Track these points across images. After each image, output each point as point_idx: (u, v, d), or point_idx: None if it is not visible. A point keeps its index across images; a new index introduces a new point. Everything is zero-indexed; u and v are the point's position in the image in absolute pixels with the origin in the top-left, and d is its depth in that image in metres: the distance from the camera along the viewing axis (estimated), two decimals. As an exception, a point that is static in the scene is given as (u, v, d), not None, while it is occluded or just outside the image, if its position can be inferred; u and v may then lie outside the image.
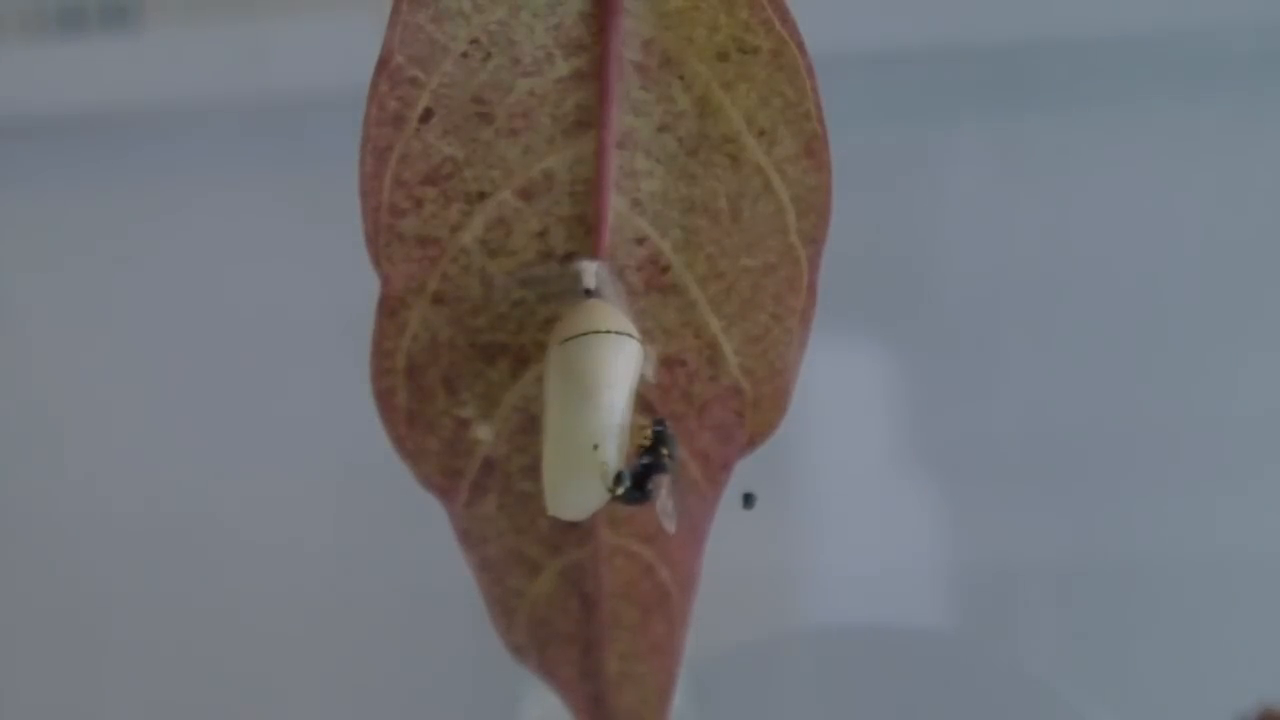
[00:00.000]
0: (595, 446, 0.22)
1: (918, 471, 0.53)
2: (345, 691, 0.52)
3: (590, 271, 0.24)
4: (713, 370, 0.25)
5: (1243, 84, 0.52)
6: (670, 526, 0.24)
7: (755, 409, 0.25)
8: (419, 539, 0.31)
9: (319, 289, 0.50)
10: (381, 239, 0.23)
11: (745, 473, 0.25)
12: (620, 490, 0.22)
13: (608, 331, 0.22)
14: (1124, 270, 0.53)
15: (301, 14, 0.52)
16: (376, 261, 0.24)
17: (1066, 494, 0.52)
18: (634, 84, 0.23)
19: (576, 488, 0.22)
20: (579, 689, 0.27)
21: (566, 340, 0.23)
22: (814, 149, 0.24)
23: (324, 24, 0.51)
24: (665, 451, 0.22)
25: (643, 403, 0.24)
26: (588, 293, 0.24)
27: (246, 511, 0.52)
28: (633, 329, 0.23)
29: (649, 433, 0.22)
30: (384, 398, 0.24)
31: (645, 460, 0.22)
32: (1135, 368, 0.52)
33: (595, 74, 0.23)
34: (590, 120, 0.23)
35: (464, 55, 0.23)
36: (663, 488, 0.22)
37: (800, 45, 0.23)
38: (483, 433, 0.25)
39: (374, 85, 0.23)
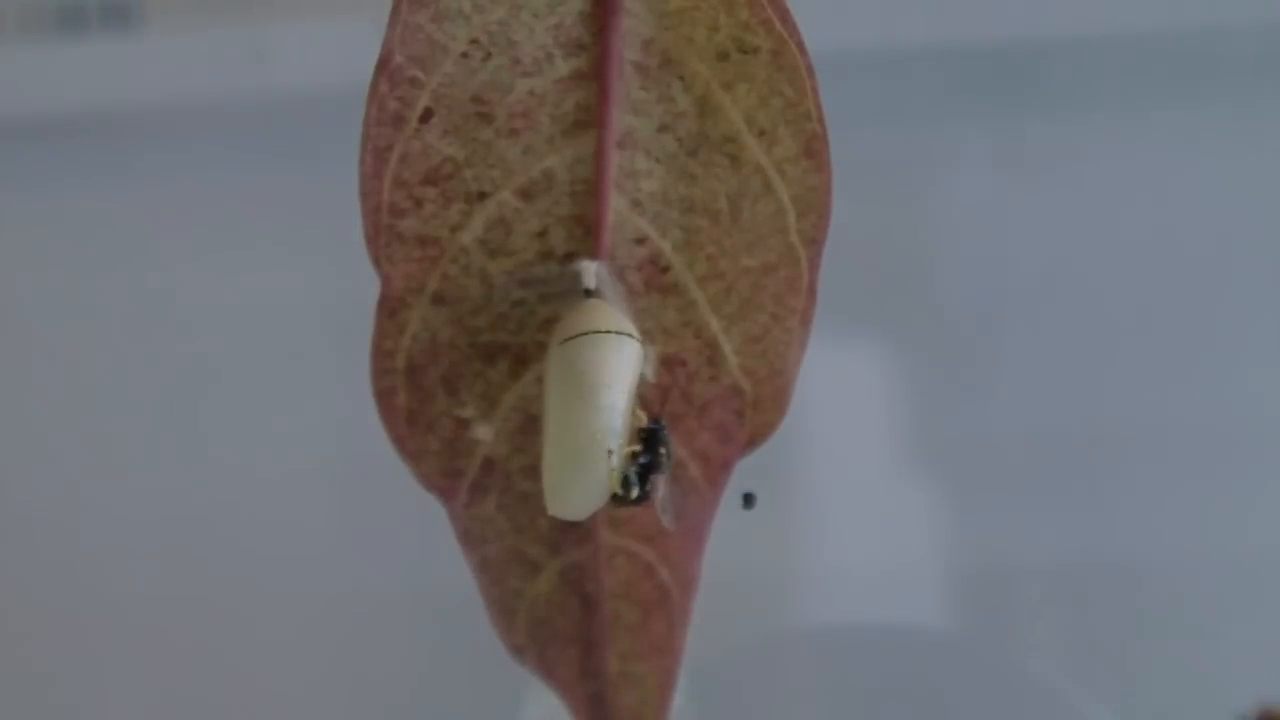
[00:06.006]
0: (610, 453, 0.22)
1: (918, 471, 0.52)
2: (345, 691, 0.52)
3: (590, 271, 0.24)
4: (713, 370, 0.25)
5: (1243, 84, 0.52)
6: (669, 522, 0.24)
7: (755, 409, 0.25)
8: (419, 539, 0.31)
9: (319, 289, 0.50)
10: (381, 239, 0.23)
11: (745, 473, 0.25)
12: (633, 494, 0.22)
13: (608, 331, 0.22)
14: (1124, 270, 0.53)
15: (301, 14, 0.52)
16: (376, 261, 0.24)
17: (1067, 494, 0.52)
18: (634, 84, 0.23)
19: (577, 487, 0.22)
20: (579, 689, 0.27)
21: (566, 340, 0.23)
22: (814, 149, 0.24)
23: (324, 24, 0.51)
24: (662, 450, 0.22)
25: (643, 403, 0.24)
26: (588, 293, 0.24)
27: (245, 511, 0.52)
28: (633, 329, 0.23)
29: (645, 431, 0.22)
30: (384, 398, 0.24)
31: (643, 460, 0.22)
32: (1136, 368, 0.52)
33: (595, 74, 0.23)
34: (590, 120, 0.23)
35: (464, 55, 0.23)
36: (660, 486, 0.22)
37: (800, 45, 0.23)
38: (483, 433, 0.25)
39: (374, 85, 0.23)
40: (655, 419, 0.23)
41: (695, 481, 0.25)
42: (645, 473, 0.22)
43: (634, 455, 0.22)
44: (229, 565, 0.52)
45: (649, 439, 0.22)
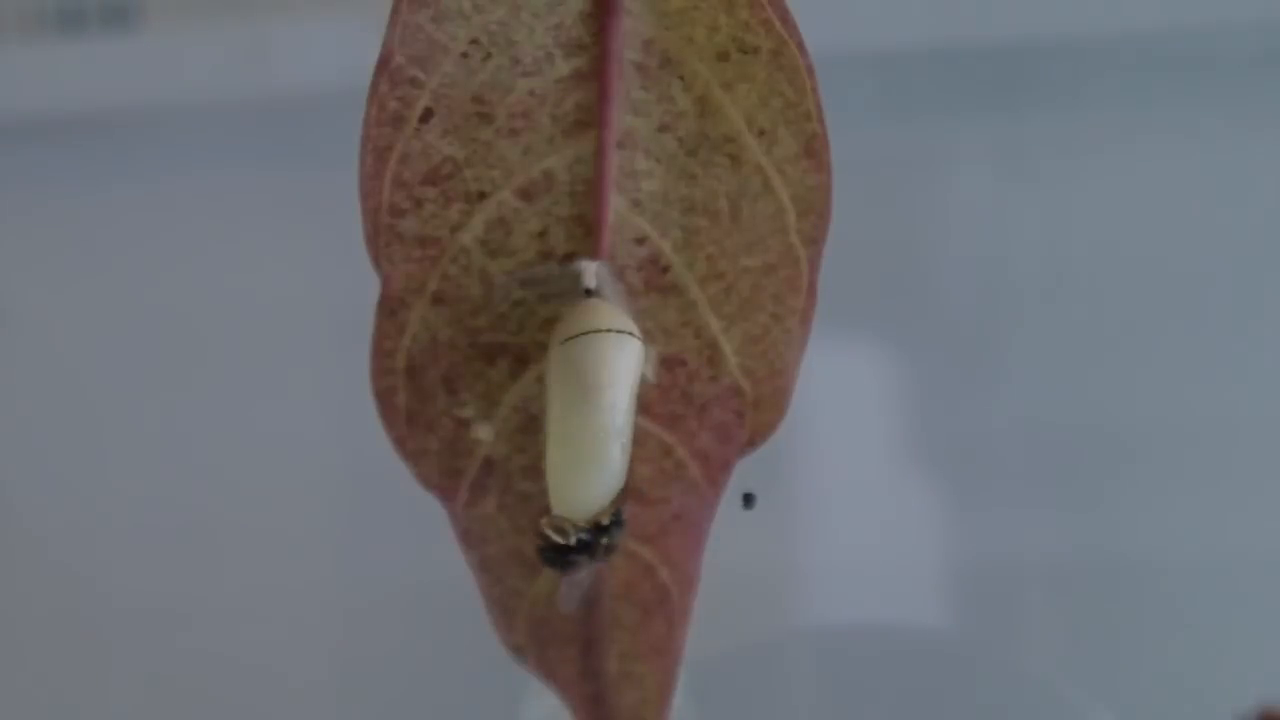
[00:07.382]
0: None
1: (918, 471, 0.52)
2: (345, 691, 0.52)
3: (590, 271, 0.24)
4: (713, 370, 0.25)
5: (1243, 84, 0.52)
6: (564, 605, 0.24)
7: (755, 409, 0.25)
8: (419, 539, 0.31)
9: (319, 289, 0.50)
10: (381, 239, 0.23)
11: (745, 473, 0.25)
12: (607, 541, 0.22)
13: (609, 330, 0.22)
14: (1124, 269, 0.53)
15: (301, 14, 0.52)
16: (376, 261, 0.24)
17: (1067, 493, 0.52)
18: (634, 84, 0.23)
19: (580, 487, 0.22)
20: (579, 689, 0.27)
21: (567, 340, 0.23)
22: (814, 149, 0.24)
23: (324, 24, 0.51)
24: (610, 540, 0.22)
25: (643, 403, 0.24)
26: (588, 293, 0.24)
27: (244, 511, 0.52)
28: (634, 328, 0.23)
29: (608, 516, 0.22)
30: (384, 398, 0.24)
31: (606, 541, 0.22)
32: (1135, 367, 0.52)
33: (595, 74, 0.23)
34: (590, 120, 0.23)
35: (464, 55, 0.23)
36: (583, 569, 0.22)
37: (800, 45, 0.23)
38: (483, 433, 0.25)
39: (374, 85, 0.23)
40: (618, 510, 0.22)
41: (695, 481, 0.25)
42: (589, 545, 0.22)
43: (591, 532, 0.22)
44: (228, 565, 0.52)
45: (611, 525, 0.22)
